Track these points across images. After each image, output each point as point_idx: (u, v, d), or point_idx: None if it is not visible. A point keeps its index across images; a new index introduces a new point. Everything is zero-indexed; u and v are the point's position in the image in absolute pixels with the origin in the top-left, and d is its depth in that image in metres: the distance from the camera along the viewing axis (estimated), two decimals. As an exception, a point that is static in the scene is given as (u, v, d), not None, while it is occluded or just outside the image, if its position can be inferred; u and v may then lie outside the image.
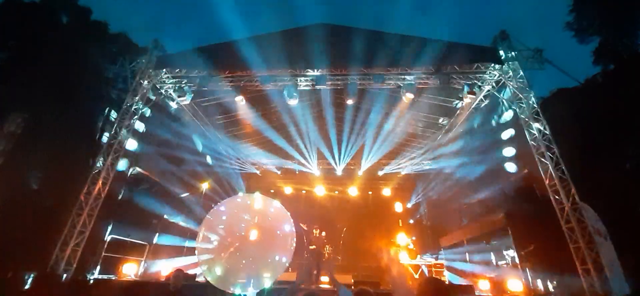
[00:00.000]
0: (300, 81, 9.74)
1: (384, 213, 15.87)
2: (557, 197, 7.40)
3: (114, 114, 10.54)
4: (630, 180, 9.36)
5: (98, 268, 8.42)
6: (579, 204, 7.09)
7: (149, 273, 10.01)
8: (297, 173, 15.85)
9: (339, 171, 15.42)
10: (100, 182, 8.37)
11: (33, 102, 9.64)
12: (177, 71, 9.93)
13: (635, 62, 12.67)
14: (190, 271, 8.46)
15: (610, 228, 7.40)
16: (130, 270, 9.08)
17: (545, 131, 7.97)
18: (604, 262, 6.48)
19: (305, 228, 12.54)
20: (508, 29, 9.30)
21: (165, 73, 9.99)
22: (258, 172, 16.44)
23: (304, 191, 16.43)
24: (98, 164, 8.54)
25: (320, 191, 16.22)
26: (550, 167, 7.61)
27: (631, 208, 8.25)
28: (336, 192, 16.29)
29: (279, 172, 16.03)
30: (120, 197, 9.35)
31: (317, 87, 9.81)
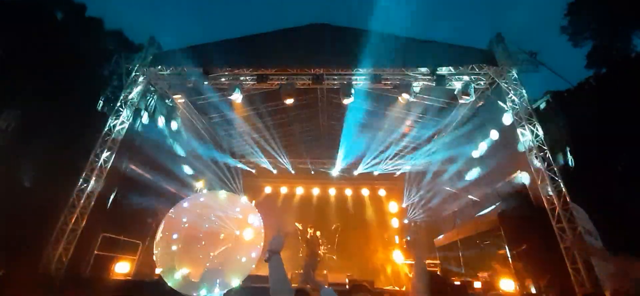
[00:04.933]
0: (297, 79, 9.75)
1: (378, 213, 15.94)
2: (548, 197, 7.49)
3: (108, 111, 10.46)
4: (621, 182, 9.51)
5: (90, 266, 8.34)
6: (570, 205, 7.18)
7: (143, 272, 9.93)
8: (293, 172, 15.86)
9: (334, 171, 15.45)
10: (93, 179, 8.30)
11: (26, 98, 9.55)
12: (172, 68, 9.87)
13: (628, 66, 12.87)
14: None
15: (600, 229, 7.51)
16: (123, 268, 9.00)
17: (538, 133, 8.07)
18: (594, 261, 6.56)
19: (300, 228, 12.56)
20: (504, 32, 9.40)
21: (161, 70, 9.93)
22: (254, 171, 16.41)
23: (299, 191, 16.44)
24: (91, 161, 8.46)
25: (315, 190, 16.25)
26: (542, 168, 7.70)
27: (621, 209, 8.38)
28: (331, 191, 16.31)
29: (275, 171, 16.02)
30: (113, 195, 9.27)
31: (314, 86, 9.82)
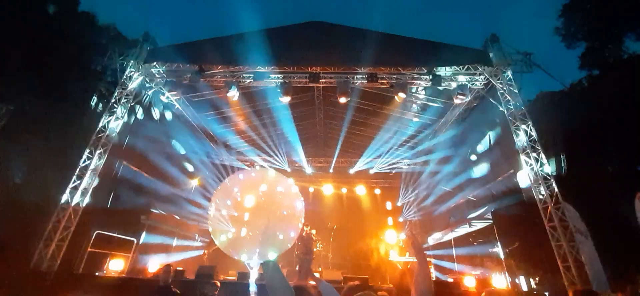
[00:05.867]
0: (294, 77, 9.73)
1: (374, 211, 16.01)
2: (541, 196, 7.61)
3: (101, 107, 10.34)
4: (612, 182, 9.69)
5: (83, 264, 8.26)
6: (561, 204, 7.31)
7: (136, 269, 9.87)
8: (288, 170, 15.85)
9: (330, 169, 15.49)
10: (86, 176, 8.21)
11: (17, 93, 9.38)
12: (168, 64, 9.78)
13: (620, 67, 13.09)
14: (179, 268, 8.38)
15: (591, 227, 7.66)
16: (117, 265, 8.93)
17: (531, 132, 8.18)
18: (585, 259, 6.70)
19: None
20: (498, 33, 9.49)
21: (156, 66, 9.83)
22: (249, 169, 16.35)
23: (295, 190, 16.42)
24: (85, 158, 8.36)
25: (311, 189, 16.27)
26: (535, 167, 7.81)
27: (611, 209, 8.54)
28: (327, 190, 16.33)
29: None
30: (107, 192, 9.18)
31: (310, 84, 9.82)
